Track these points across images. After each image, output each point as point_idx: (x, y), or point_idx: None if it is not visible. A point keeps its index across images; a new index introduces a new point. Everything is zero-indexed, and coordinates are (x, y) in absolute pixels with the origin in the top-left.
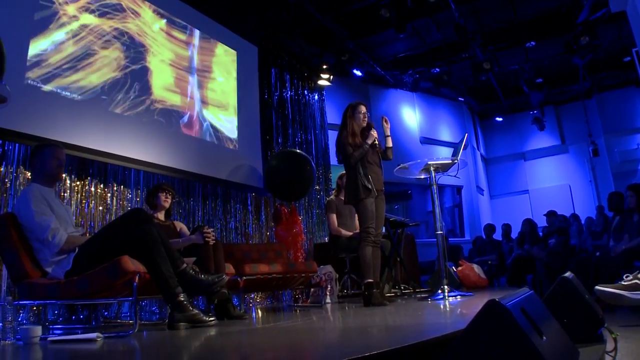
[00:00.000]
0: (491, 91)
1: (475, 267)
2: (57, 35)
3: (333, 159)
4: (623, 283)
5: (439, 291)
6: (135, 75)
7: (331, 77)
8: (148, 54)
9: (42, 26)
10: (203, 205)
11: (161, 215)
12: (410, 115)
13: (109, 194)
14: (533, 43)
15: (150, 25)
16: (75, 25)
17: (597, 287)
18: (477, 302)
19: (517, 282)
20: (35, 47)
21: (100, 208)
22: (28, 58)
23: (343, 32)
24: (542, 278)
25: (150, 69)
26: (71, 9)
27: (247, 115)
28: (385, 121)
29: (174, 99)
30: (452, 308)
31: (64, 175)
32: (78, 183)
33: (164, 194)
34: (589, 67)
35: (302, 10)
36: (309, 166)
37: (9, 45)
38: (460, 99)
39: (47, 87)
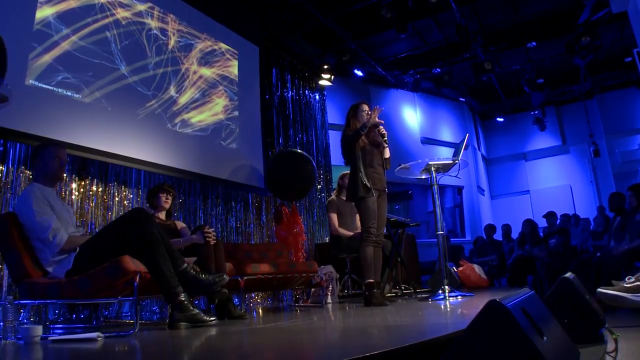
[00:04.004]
0: (492, 91)
1: (476, 267)
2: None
3: (334, 159)
4: (625, 285)
5: (440, 291)
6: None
7: (332, 77)
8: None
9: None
10: (204, 205)
11: (162, 215)
12: (411, 116)
13: (109, 194)
14: (534, 43)
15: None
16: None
17: (599, 290)
18: (478, 303)
19: (517, 283)
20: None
21: (100, 207)
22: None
23: (344, 33)
24: (543, 278)
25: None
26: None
27: (248, 115)
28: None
29: None
30: (453, 308)
31: (65, 175)
32: (79, 183)
33: (165, 194)
34: (590, 68)
35: (303, 10)
36: (309, 166)
37: (12, 45)
38: (461, 99)
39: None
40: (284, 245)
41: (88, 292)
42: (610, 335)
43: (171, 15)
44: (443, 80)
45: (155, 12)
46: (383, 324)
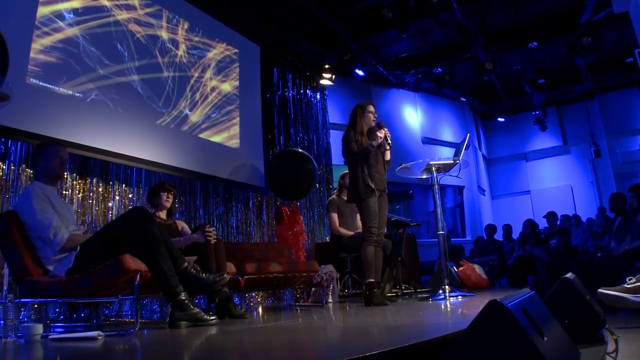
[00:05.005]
0: (493, 91)
1: (477, 267)
2: (197, 98)
3: (335, 159)
4: (626, 286)
5: (440, 291)
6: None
7: (333, 76)
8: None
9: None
10: (205, 204)
11: (163, 214)
12: (412, 115)
13: (110, 193)
14: (535, 44)
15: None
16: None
17: (600, 290)
18: (478, 303)
19: (518, 283)
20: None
21: (101, 206)
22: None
23: (345, 32)
24: (543, 279)
25: None
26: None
27: (249, 114)
28: (380, 126)
29: None
30: (453, 308)
31: (65, 173)
32: (80, 181)
33: (166, 193)
34: (591, 68)
35: (304, 10)
36: (310, 165)
37: (13, 43)
38: (462, 99)
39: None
40: (284, 245)
41: (88, 290)
42: (611, 336)
43: (175, 15)
44: (444, 80)
45: (159, 12)
46: (383, 323)
